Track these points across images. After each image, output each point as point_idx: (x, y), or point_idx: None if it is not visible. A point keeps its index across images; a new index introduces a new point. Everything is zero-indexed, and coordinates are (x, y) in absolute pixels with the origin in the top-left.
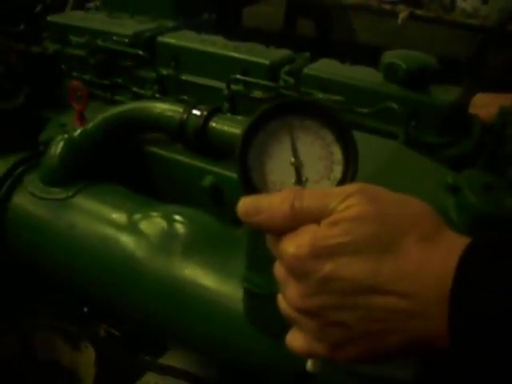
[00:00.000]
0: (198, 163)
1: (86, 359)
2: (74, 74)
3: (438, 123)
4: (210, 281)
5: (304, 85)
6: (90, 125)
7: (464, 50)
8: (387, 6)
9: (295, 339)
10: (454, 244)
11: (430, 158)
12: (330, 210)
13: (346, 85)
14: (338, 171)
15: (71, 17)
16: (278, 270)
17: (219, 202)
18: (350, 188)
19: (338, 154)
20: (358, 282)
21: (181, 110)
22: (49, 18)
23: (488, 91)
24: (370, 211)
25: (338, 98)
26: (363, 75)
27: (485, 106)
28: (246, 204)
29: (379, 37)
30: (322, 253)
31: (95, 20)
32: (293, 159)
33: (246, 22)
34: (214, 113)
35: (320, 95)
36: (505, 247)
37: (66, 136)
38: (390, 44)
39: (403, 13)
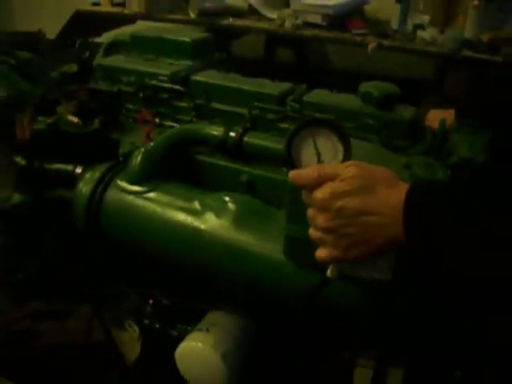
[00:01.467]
0: (236, 165)
1: (130, 337)
2: (129, 105)
3: (402, 132)
4: (257, 239)
5: (305, 108)
6: (158, 141)
7: (424, 73)
8: (358, 38)
9: (321, 252)
10: (405, 187)
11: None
12: (338, 174)
13: (335, 107)
14: (340, 156)
15: (117, 60)
16: (310, 211)
17: (253, 193)
18: (348, 163)
19: (340, 147)
20: (356, 210)
21: (222, 129)
22: (98, 62)
23: (443, 107)
24: (359, 173)
25: (330, 116)
26: (347, 100)
27: (435, 119)
28: (293, 173)
29: (352, 64)
30: (336, 195)
31: (136, 63)
32: (315, 150)
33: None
34: (245, 131)
35: (318, 115)
36: (432, 184)
37: (142, 149)
38: (362, 70)
39: (372, 44)
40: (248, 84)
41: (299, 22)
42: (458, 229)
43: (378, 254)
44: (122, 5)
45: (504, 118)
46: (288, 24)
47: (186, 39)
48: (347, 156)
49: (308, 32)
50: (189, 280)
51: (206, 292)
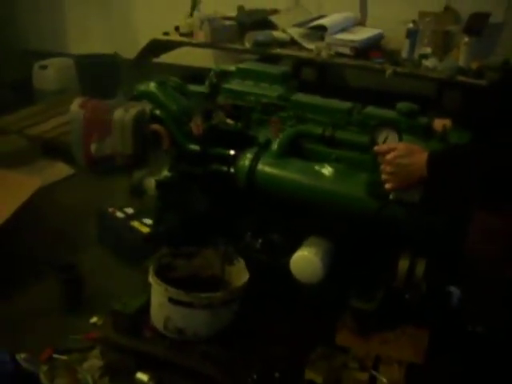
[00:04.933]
0: (329, 150)
1: (238, 270)
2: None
3: (422, 131)
4: (350, 185)
5: (364, 118)
6: (285, 134)
7: (427, 92)
8: (378, 65)
9: (387, 185)
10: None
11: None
12: (395, 148)
13: (382, 117)
14: (397, 140)
15: (239, 85)
16: (383, 167)
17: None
18: (400, 143)
19: (396, 136)
20: (405, 163)
21: (321, 128)
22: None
23: (443, 117)
24: (405, 147)
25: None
26: (389, 113)
27: (438, 124)
28: (377, 148)
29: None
30: (395, 157)
31: (252, 87)
32: (384, 137)
33: None
34: (335, 129)
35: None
36: (442, 150)
37: (277, 140)
38: (381, 90)
39: (389, 70)
40: (326, 102)
41: (332, 52)
42: (457, 163)
43: (414, 185)
44: (188, 35)
45: (483, 125)
46: (324, 54)
47: (276, 71)
48: (400, 139)
49: (339, 60)
50: (303, 215)
51: (309, 225)
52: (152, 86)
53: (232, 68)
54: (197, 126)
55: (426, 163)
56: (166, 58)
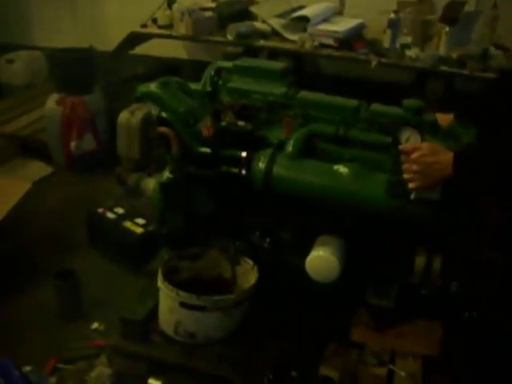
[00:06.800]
0: (341, 149)
1: (245, 270)
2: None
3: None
4: (366, 184)
5: (372, 115)
6: (298, 133)
7: (409, 80)
8: (363, 56)
9: (411, 184)
10: (451, 152)
11: None
12: (420, 147)
13: (389, 114)
14: (419, 140)
15: (243, 83)
16: (405, 166)
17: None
18: (423, 142)
19: (419, 136)
20: (429, 162)
21: (334, 128)
22: (229, 85)
23: (444, 112)
24: (428, 146)
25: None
26: (395, 110)
27: (441, 119)
28: (402, 147)
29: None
30: (420, 156)
31: (255, 84)
32: (406, 137)
33: None
34: (348, 127)
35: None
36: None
37: (292, 139)
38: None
39: (374, 61)
40: (333, 99)
41: (316, 43)
42: (477, 163)
43: (436, 184)
44: (167, 27)
45: (484, 120)
46: (308, 45)
47: (277, 67)
48: (422, 139)
49: (324, 51)
50: (313, 213)
51: (319, 223)
52: (155, 86)
53: (229, 65)
54: (207, 127)
55: (453, 162)
56: (137, 49)
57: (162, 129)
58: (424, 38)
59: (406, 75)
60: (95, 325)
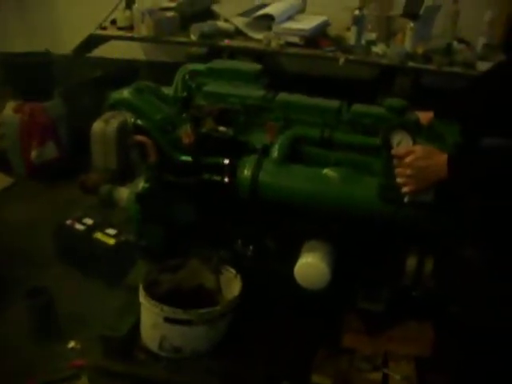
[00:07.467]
0: (327, 152)
1: (227, 279)
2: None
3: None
4: (357, 189)
5: (354, 116)
6: (283, 138)
7: (376, 77)
8: (330, 54)
9: (405, 188)
10: (445, 154)
11: None
12: (413, 150)
13: (373, 114)
14: (411, 143)
15: (219, 87)
16: (398, 170)
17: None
18: (416, 145)
19: (410, 138)
20: (422, 166)
21: (319, 131)
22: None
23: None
24: (422, 149)
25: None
26: (378, 109)
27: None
28: (394, 150)
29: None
30: (414, 160)
31: (231, 87)
32: (398, 140)
33: None
34: (333, 130)
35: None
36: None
37: (277, 145)
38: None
39: (342, 58)
40: (313, 101)
41: (282, 42)
42: (472, 167)
43: (429, 187)
44: (127, 28)
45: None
46: (274, 44)
47: (252, 69)
48: (414, 142)
49: (291, 50)
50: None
51: (304, 229)
52: (128, 93)
53: (201, 67)
54: (187, 134)
55: (447, 164)
56: (94, 51)
57: (139, 137)
58: (388, 34)
59: (372, 71)
60: (72, 343)
